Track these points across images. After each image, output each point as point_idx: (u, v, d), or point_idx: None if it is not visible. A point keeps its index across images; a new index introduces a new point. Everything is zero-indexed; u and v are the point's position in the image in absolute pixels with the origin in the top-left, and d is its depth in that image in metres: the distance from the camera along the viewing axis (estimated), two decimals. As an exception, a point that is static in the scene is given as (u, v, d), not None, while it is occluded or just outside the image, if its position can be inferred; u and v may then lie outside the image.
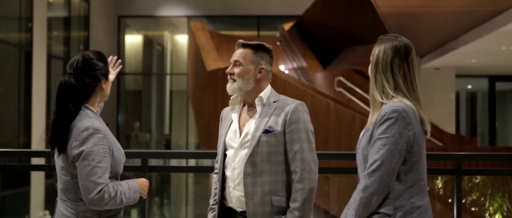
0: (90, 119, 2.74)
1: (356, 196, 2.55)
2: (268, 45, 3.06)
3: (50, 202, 12.44)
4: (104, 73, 2.84)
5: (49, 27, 13.19)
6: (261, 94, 3.02)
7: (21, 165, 8.68)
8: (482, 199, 7.54)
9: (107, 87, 2.88)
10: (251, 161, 2.91)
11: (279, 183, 2.90)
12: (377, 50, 2.66)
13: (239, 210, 2.98)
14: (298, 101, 2.99)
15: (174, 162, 13.27)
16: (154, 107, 18.88)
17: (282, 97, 3.03)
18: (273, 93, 3.05)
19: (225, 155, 3.07)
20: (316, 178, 2.91)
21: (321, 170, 5.08)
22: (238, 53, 3.03)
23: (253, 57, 3.02)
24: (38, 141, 12.15)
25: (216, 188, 3.11)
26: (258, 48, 3.03)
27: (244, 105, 3.11)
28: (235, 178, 2.97)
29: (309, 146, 2.91)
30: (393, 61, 2.62)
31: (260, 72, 3.01)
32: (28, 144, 11.90)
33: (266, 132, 2.91)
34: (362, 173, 2.62)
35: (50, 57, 13.24)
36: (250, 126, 2.98)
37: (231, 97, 3.10)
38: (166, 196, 16.94)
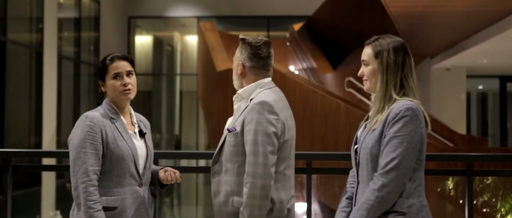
0: (93, 111, 2.87)
1: (370, 195, 2.51)
2: (249, 39, 2.97)
3: (61, 202, 12.49)
4: (100, 74, 2.94)
5: (59, 28, 13.23)
6: (240, 91, 2.97)
7: (32, 165, 8.72)
8: (494, 200, 7.50)
9: (108, 90, 2.93)
10: (217, 159, 2.91)
11: (241, 184, 2.81)
12: (381, 49, 2.64)
13: None
14: (260, 99, 2.82)
15: (184, 163, 13.30)
16: (164, 108, 18.91)
17: (259, 94, 2.88)
18: (257, 90, 2.92)
19: None
20: (261, 183, 2.72)
21: (331, 171, 5.07)
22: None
23: (237, 53, 3.00)
24: (49, 141, 12.19)
25: None
26: (241, 43, 3.00)
27: None
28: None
29: (255, 148, 2.74)
30: (404, 60, 2.63)
31: (241, 67, 2.97)
32: (39, 144, 11.95)
33: (229, 131, 2.88)
34: (367, 173, 2.59)
35: (60, 58, 13.28)
36: (228, 123, 2.98)
37: None
38: (176, 196, 16.97)
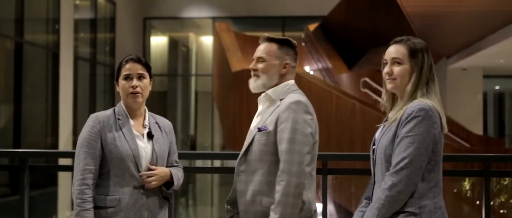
0: (99, 112, 2.97)
1: (381, 194, 2.51)
2: (293, 41, 2.98)
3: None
4: (116, 77, 3.01)
5: (75, 29, 13.31)
6: (269, 91, 2.94)
7: (48, 165, 8.78)
8: (511, 201, 7.46)
9: (120, 90, 2.98)
10: (244, 158, 2.88)
11: (271, 184, 2.79)
12: (416, 49, 2.62)
13: None
14: (295, 99, 2.83)
15: (199, 163, 13.32)
16: (179, 109, 18.97)
17: (291, 94, 2.89)
18: (287, 90, 2.92)
19: None
20: (296, 181, 2.72)
21: (347, 171, 5.05)
22: (262, 48, 2.97)
23: (278, 52, 2.95)
24: (65, 141, 12.27)
25: None
26: (283, 43, 2.97)
27: None
28: (239, 172, 2.95)
29: (291, 146, 2.74)
30: (432, 63, 2.64)
31: (284, 67, 2.95)
32: (55, 145, 12.03)
33: (259, 130, 2.85)
34: (382, 172, 2.59)
35: (76, 58, 13.37)
36: (255, 122, 2.95)
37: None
38: (191, 196, 17.01)
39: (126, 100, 2.96)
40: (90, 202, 2.79)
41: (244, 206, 2.86)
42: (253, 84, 2.96)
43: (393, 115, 2.63)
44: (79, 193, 2.80)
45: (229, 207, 3.02)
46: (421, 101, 2.55)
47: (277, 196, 2.72)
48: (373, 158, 2.71)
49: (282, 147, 2.76)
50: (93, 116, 2.90)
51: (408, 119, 2.52)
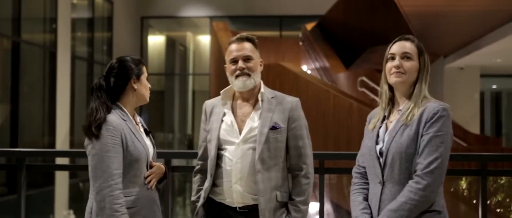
0: (110, 115, 2.83)
1: (412, 195, 2.49)
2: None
3: (74, 201, 12.55)
4: (135, 73, 2.94)
5: (73, 28, 13.30)
6: (262, 89, 3.02)
7: (45, 165, 8.77)
8: (508, 200, 7.47)
9: (141, 87, 2.96)
10: (261, 157, 2.88)
11: (281, 178, 2.94)
12: (422, 48, 2.69)
13: (239, 205, 2.92)
14: (295, 98, 3.03)
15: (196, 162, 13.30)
16: (176, 108, 18.95)
17: (278, 93, 3.06)
18: (268, 88, 3.07)
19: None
20: (313, 172, 3.01)
21: (344, 171, 5.06)
22: (247, 47, 3.02)
23: (256, 51, 3.06)
24: (62, 140, 12.26)
25: (199, 185, 3.09)
26: (255, 42, 3.08)
27: (233, 99, 3.09)
28: (238, 173, 2.91)
29: (309, 142, 3.00)
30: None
31: (261, 65, 3.07)
32: (52, 144, 12.02)
33: (273, 128, 2.91)
34: (400, 171, 2.56)
35: (74, 58, 13.35)
36: (253, 121, 2.95)
37: (222, 91, 3.09)
38: (188, 196, 17.00)
39: (143, 98, 2.99)
40: (125, 206, 2.74)
41: (264, 204, 2.88)
42: (246, 83, 2.98)
43: (406, 114, 2.61)
44: (115, 198, 2.70)
45: (201, 210, 3.03)
46: (438, 101, 2.59)
47: (306, 187, 2.93)
48: (378, 157, 2.66)
49: (300, 143, 2.96)
50: (108, 120, 2.79)
51: (435, 118, 2.53)
